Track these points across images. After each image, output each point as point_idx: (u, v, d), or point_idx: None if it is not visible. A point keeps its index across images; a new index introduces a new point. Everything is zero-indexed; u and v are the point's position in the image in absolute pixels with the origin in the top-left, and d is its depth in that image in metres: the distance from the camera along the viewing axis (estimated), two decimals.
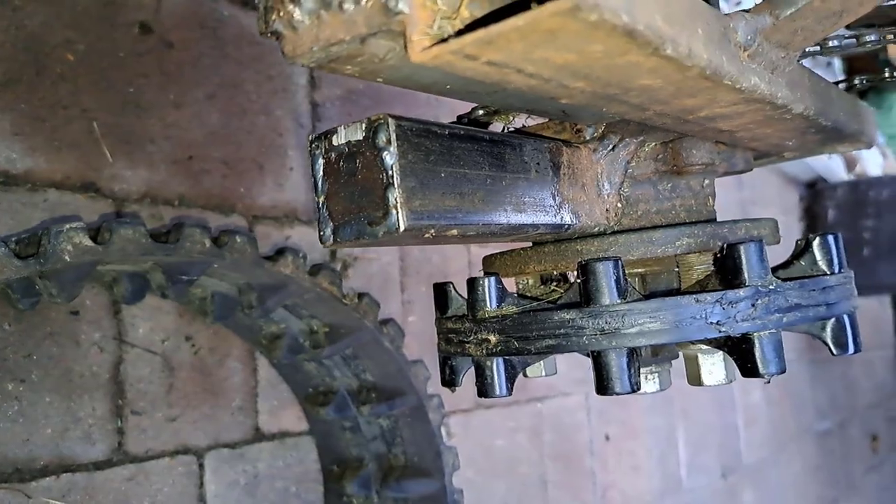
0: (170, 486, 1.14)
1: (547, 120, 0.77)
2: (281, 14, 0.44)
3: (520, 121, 0.82)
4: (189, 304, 1.13)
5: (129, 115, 1.18)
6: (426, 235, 0.55)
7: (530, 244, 0.83)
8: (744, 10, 0.54)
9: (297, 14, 0.43)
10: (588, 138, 0.76)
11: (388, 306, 1.54)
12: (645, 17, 0.41)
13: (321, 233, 0.57)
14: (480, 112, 0.79)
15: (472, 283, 0.74)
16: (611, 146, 0.76)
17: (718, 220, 0.83)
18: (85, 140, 1.12)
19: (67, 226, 0.80)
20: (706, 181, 0.84)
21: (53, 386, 1.03)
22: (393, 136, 0.53)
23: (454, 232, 0.57)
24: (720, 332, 0.67)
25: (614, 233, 0.77)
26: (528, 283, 0.88)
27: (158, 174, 1.20)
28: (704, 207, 0.84)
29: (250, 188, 1.32)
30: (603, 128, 0.76)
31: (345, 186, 0.55)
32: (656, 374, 0.86)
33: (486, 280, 0.73)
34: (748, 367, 0.68)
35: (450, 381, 0.81)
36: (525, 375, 0.87)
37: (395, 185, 0.52)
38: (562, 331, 0.68)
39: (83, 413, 1.06)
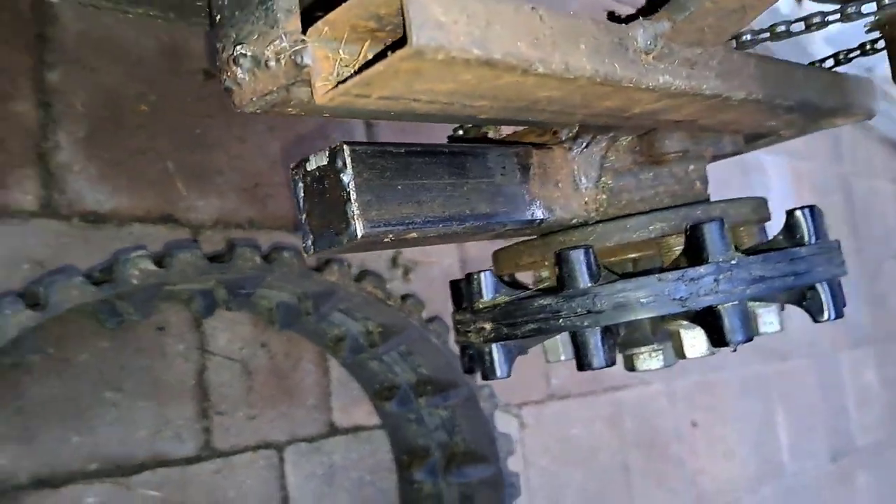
0: (253, 478, 1.28)
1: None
2: (229, 74, 0.55)
3: (508, 128, 0.90)
4: (258, 314, 1.27)
5: (199, 152, 1.34)
6: (385, 240, 0.65)
7: (534, 237, 0.90)
8: (645, 18, 0.60)
9: (239, 73, 0.54)
10: (563, 139, 0.83)
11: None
12: (503, 46, 0.49)
13: (304, 244, 0.67)
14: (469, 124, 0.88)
15: (469, 278, 0.83)
16: (584, 144, 0.83)
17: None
18: (161, 178, 1.28)
19: (134, 254, 0.95)
20: (691, 167, 0.89)
21: (145, 393, 1.19)
22: (348, 160, 0.63)
23: (413, 235, 0.66)
24: (683, 306, 0.73)
25: (596, 223, 0.84)
26: (541, 275, 0.96)
27: (229, 202, 1.36)
28: (691, 191, 0.89)
29: None
30: (576, 128, 0.83)
31: (318, 205, 0.66)
32: (660, 352, 0.91)
33: (480, 275, 0.81)
34: (716, 338, 0.74)
35: (469, 368, 0.90)
36: (547, 361, 0.95)
37: (353, 200, 0.62)
38: (541, 315, 0.76)
39: (173, 415, 1.22)
